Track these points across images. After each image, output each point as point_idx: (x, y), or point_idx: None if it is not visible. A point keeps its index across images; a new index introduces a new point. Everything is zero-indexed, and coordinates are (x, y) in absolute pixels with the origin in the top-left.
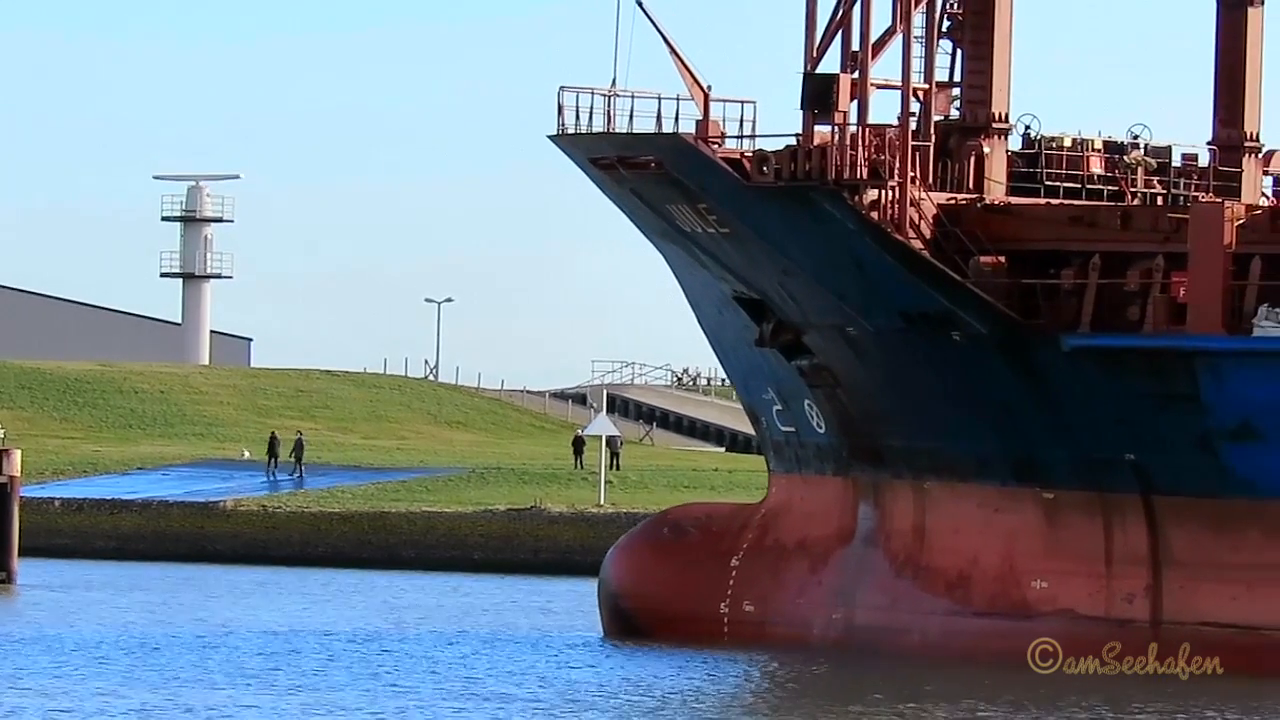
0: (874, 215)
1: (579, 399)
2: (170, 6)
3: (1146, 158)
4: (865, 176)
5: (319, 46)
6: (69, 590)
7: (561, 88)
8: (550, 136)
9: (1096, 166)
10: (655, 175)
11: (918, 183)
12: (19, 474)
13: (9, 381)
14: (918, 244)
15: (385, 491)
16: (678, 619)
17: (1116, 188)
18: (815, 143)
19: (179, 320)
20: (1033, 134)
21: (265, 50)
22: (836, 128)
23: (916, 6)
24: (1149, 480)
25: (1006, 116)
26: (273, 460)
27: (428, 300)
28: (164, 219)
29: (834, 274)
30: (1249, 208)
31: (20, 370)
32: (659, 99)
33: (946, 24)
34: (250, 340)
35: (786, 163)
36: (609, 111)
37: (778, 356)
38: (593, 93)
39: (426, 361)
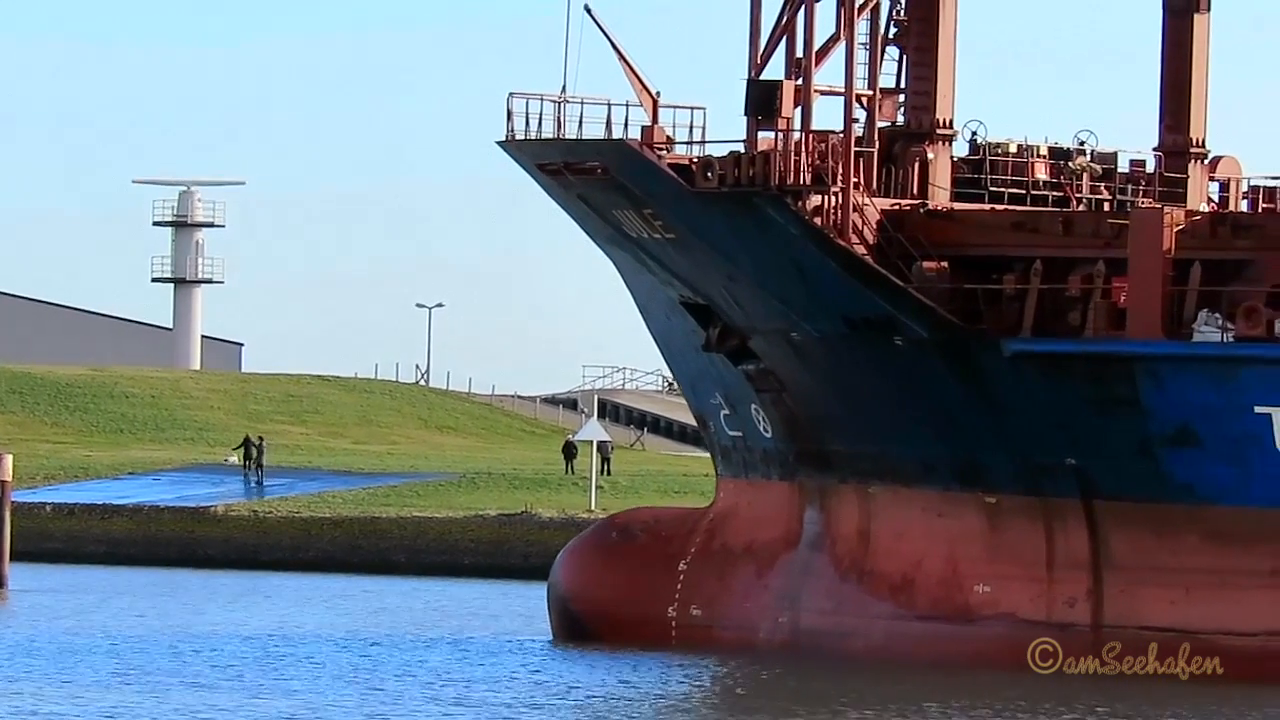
0: (817, 221)
1: (570, 404)
2: (162, 12)
3: (1092, 163)
4: (808, 182)
5: (310, 50)
6: (60, 595)
7: (511, 94)
8: (499, 142)
9: (1041, 172)
10: (601, 181)
11: (861, 188)
12: (10, 478)
13: (1, 386)
14: (861, 249)
15: (376, 496)
16: (626, 623)
17: (1062, 193)
18: (760, 149)
19: (170, 325)
20: (979, 140)
21: (257, 55)
22: (780, 134)
23: (860, 14)
24: (1090, 485)
25: (951, 123)
26: (249, 462)
27: (419, 305)
28: (155, 224)
29: (778, 279)
30: (1189, 213)
31: (11, 375)
32: (609, 105)
33: (894, 30)
34: (241, 345)
35: (730, 168)
36: (559, 118)
37: (724, 361)
38: (542, 99)
39: (418, 366)
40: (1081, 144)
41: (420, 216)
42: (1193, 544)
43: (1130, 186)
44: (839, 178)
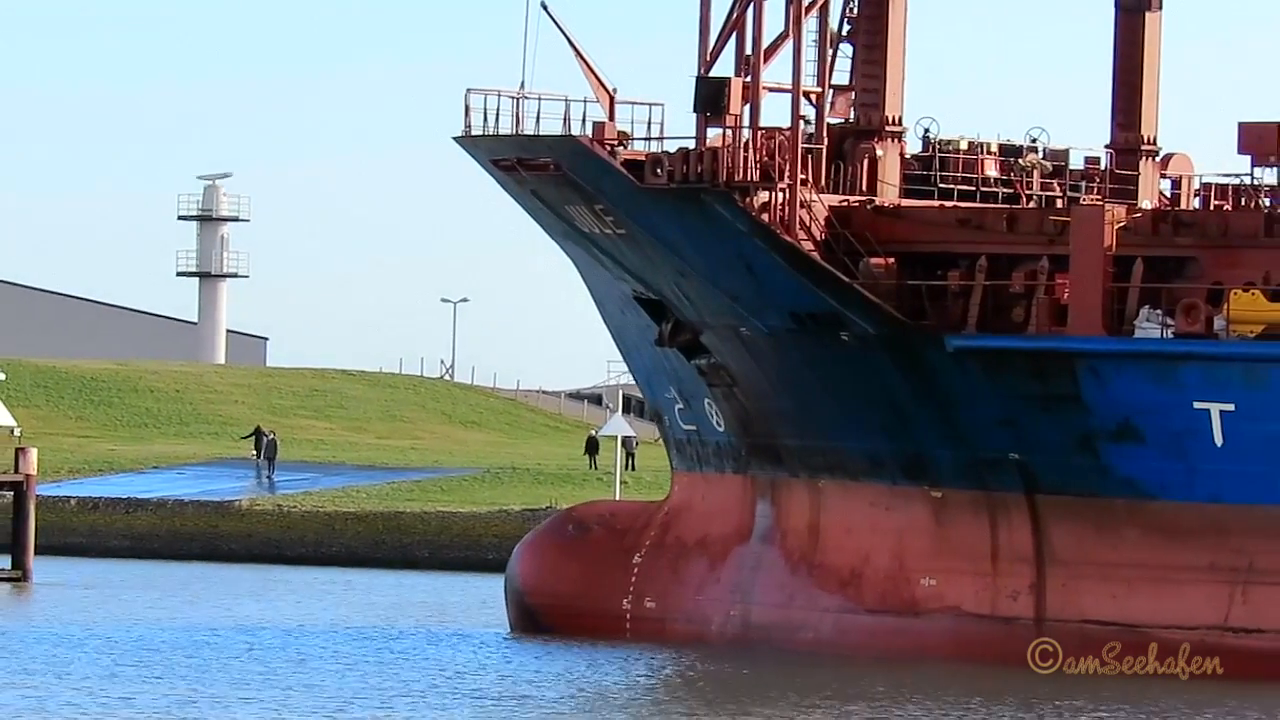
0: (764, 217)
1: (595, 399)
2: (186, 6)
3: (1042, 160)
4: (756, 179)
5: (333, 44)
6: (83, 588)
7: (468, 89)
8: (455, 138)
9: (992, 169)
10: (553, 177)
11: (809, 185)
12: (35, 472)
13: (25, 380)
14: (808, 245)
15: (399, 491)
16: (581, 615)
17: (1013, 190)
18: (708, 145)
19: (195, 319)
20: (931, 137)
21: (284, 48)
22: (728, 130)
23: (809, 12)
24: (1033, 479)
25: (900, 119)
26: (258, 454)
27: (444, 300)
28: (180, 218)
29: (726, 275)
30: (1130, 210)
31: (36, 369)
32: (566, 101)
33: (848, 27)
34: (266, 339)
35: (679, 165)
36: (517, 113)
37: (678, 356)
38: (499, 95)
39: (442, 361)
40: (1033, 141)
41: (445, 211)
42: (1133, 538)
43: (1083, 184)
44: (786, 174)
